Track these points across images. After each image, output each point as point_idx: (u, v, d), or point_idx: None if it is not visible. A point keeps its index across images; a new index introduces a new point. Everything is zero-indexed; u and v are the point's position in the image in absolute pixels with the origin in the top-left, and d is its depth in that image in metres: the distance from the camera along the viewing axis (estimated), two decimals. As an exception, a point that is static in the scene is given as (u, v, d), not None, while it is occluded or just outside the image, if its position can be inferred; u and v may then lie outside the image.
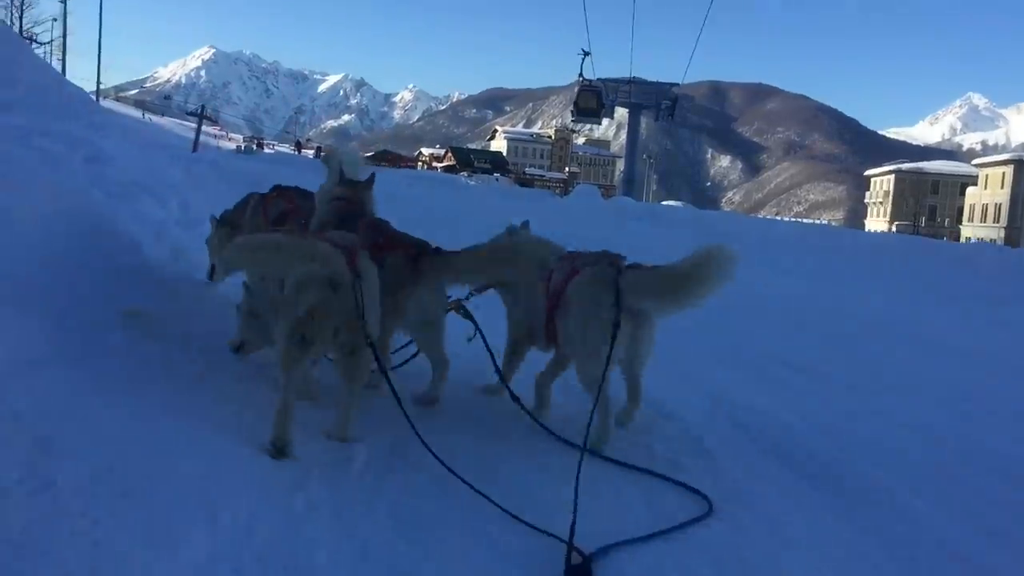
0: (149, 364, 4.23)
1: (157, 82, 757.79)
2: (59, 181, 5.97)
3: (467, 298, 4.77)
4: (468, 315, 4.72)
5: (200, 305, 5.67)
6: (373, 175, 5.25)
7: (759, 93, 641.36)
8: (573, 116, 74.68)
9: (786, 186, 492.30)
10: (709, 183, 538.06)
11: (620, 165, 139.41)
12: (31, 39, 60.52)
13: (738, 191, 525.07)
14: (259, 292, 4.23)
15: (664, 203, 67.69)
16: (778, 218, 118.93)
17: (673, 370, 5.28)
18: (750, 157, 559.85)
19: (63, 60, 61.49)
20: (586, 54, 63.67)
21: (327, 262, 3.57)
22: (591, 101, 69.01)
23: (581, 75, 66.61)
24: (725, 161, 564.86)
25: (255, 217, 5.86)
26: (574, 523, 2.92)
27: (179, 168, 12.32)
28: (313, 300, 3.52)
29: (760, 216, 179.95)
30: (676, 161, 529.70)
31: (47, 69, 19.54)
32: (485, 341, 4.64)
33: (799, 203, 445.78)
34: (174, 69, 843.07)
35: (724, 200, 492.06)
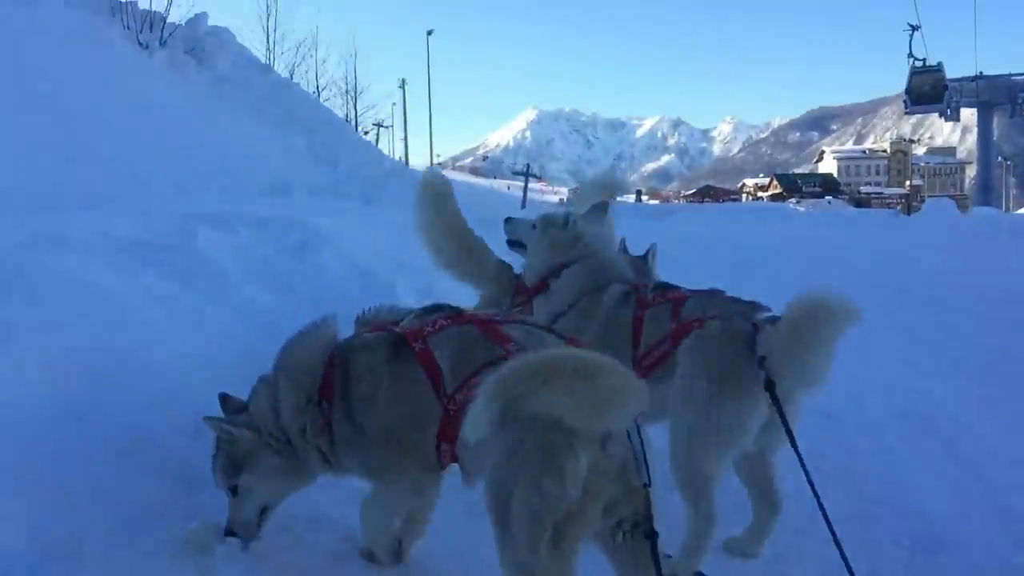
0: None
1: (488, 148, 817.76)
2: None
3: None
4: None
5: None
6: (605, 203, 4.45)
7: None
8: (907, 107, 60.19)
9: None
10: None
11: (970, 172, 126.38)
12: (379, 125, 68.22)
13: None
14: None
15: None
16: None
17: None
18: None
19: (405, 140, 68.60)
20: (914, 28, 52.53)
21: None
22: (927, 84, 55.27)
23: (911, 54, 54.38)
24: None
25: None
26: None
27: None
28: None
29: None
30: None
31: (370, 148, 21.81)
32: None
33: None
34: (502, 134, 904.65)
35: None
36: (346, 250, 6.44)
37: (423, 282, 6.86)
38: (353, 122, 53.51)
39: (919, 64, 55.05)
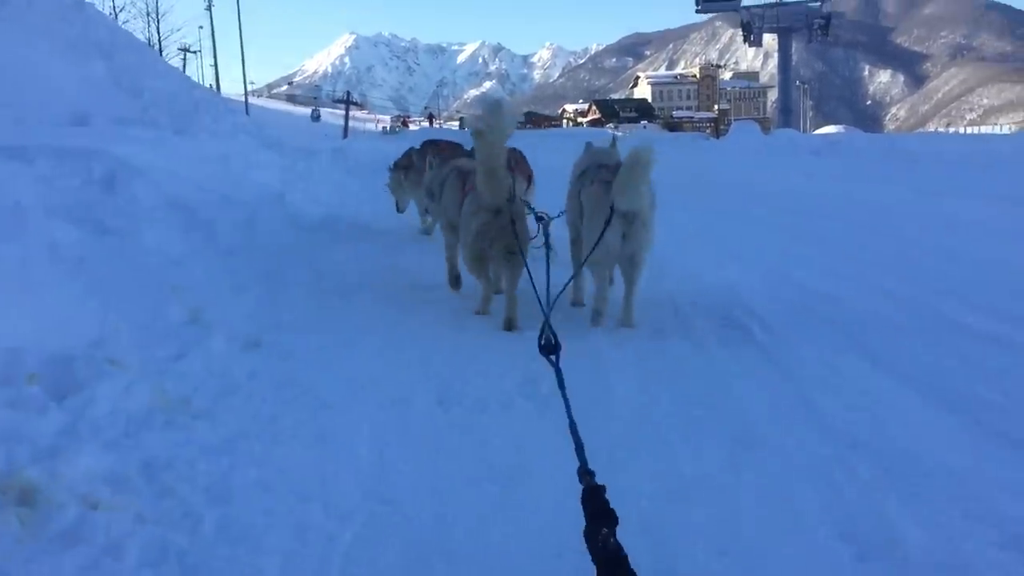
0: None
1: (306, 75, 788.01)
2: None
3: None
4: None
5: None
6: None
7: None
8: (698, 4, 58.19)
9: (955, 94, 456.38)
10: (869, 102, 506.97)
11: (772, 96, 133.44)
12: (185, 50, 64.13)
13: (901, 106, 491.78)
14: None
15: (823, 130, 63.67)
16: (951, 131, 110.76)
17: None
18: (912, 68, 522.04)
19: (215, 67, 64.90)
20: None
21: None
22: None
23: None
24: (885, 76, 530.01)
25: (422, 160, 7.55)
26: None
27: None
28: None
29: (930, 131, 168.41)
30: (831, 84, 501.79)
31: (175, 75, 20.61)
32: None
33: (971, 110, 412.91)
34: (320, 60, 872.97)
35: (888, 117, 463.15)
36: (160, 183, 6.04)
37: (245, 215, 6.60)
38: (157, 47, 50.08)
39: None
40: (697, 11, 59.85)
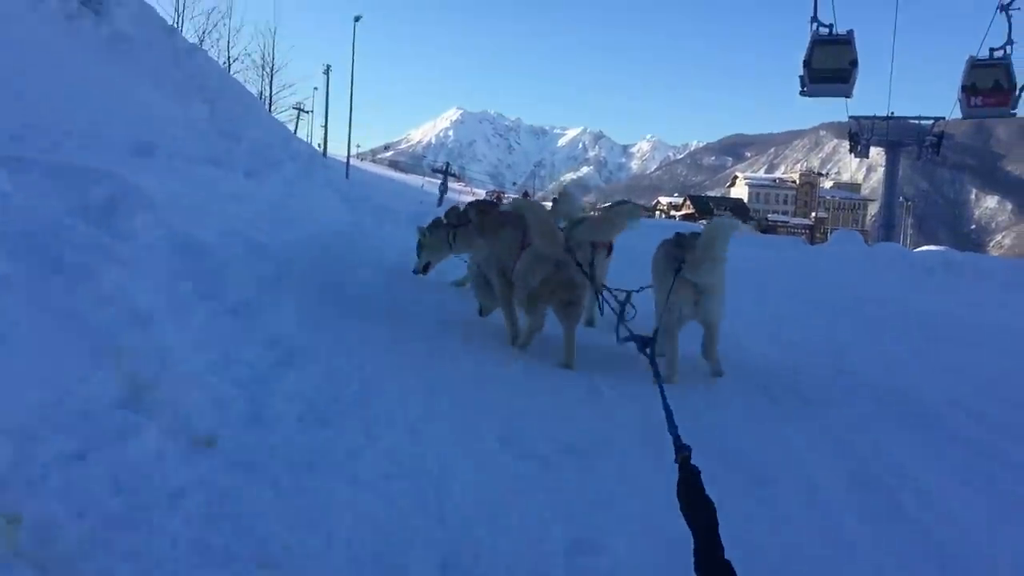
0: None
1: (411, 143, 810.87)
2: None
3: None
4: None
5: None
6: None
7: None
8: (804, 85, 42.18)
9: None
10: (973, 226, 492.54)
11: (872, 209, 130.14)
12: (299, 109, 65.77)
13: (1008, 234, 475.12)
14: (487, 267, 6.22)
15: (922, 249, 61.01)
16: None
17: None
18: (1021, 197, 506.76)
19: (325, 127, 66.34)
20: (818, -6, 40.17)
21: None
22: (832, 58, 40.43)
23: (815, 18, 39.49)
24: (991, 202, 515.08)
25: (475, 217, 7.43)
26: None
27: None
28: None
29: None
30: (934, 204, 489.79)
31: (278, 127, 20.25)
32: None
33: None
34: (425, 130, 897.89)
35: (992, 244, 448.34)
36: (172, 218, 5.08)
37: (272, 268, 5.59)
38: (268, 100, 51.29)
39: (824, 31, 40.95)
40: (802, 94, 45.51)
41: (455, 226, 7.81)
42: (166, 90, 21.29)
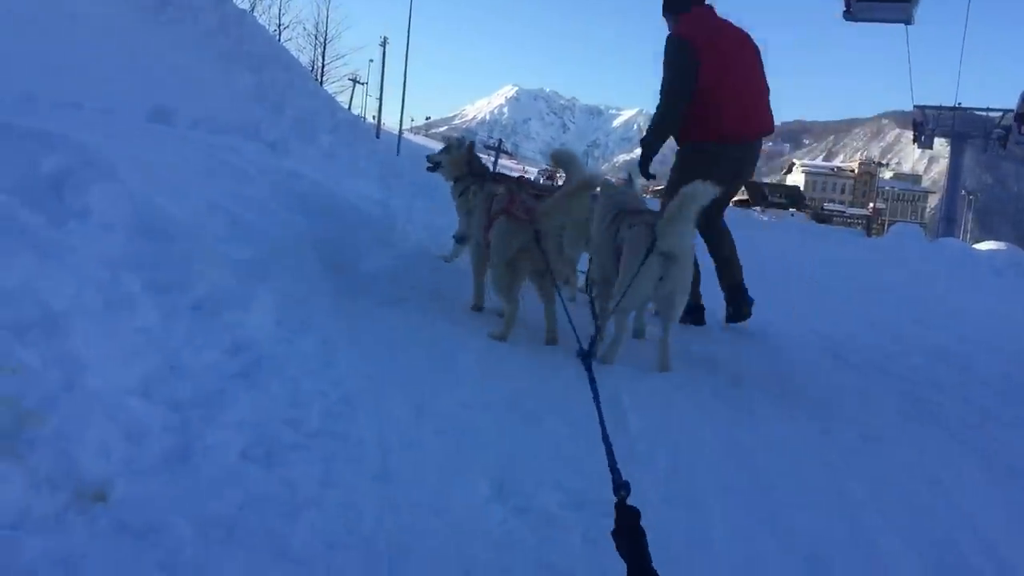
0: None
1: (465, 119, 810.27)
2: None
3: None
4: None
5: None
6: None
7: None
8: (848, 5, 33.87)
9: None
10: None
11: (932, 201, 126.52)
12: (355, 80, 65.21)
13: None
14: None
15: (983, 245, 58.77)
16: None
17: None
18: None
19: (380, 100, 65.77)
20: None
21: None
22: None
23: None
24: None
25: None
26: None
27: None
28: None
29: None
30: (997, 198, 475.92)
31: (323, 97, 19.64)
32: None
33: None
34: (480, 107, 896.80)
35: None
36: (138, 191, 4.34)
37: (256, 252, 4.88)
38: (319, 70, 50.81)
39: None
40: (846, 16, 35.01)
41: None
42: (209, 56, 20.74)
